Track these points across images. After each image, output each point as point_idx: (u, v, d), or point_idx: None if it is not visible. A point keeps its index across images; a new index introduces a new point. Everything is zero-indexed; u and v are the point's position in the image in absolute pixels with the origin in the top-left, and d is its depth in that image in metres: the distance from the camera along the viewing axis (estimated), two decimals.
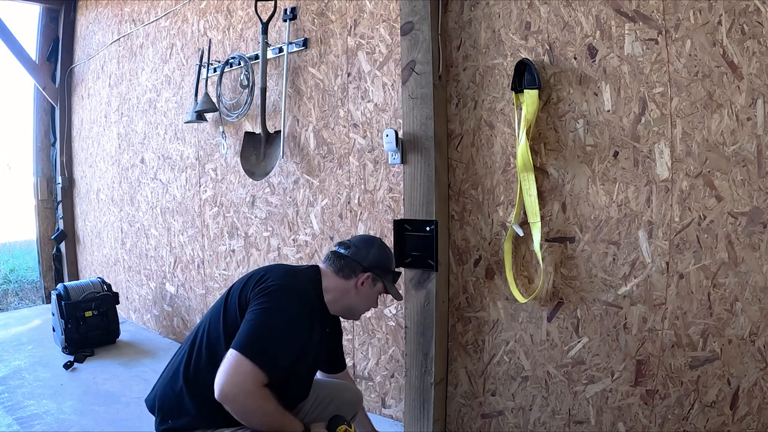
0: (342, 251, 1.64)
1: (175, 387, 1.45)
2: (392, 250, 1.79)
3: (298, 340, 1.40)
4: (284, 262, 2.69)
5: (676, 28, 1.57)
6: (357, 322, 2.48)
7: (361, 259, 1.62)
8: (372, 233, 2.39)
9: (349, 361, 2.55)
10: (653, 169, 1.65)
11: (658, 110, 1.62)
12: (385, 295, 2.35)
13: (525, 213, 1.88)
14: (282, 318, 1.37)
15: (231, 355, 1.29)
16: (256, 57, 2.76)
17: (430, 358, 2.08)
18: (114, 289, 3.79)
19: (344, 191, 2.49)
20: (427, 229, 2.05)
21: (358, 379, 2.50)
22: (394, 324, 2.35)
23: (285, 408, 1.38)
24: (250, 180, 2.86)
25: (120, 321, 3.68)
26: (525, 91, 1.82)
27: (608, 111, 1.72)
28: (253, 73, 2.82)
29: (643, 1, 1.63)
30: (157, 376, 3.01)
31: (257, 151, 2.81)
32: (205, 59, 3.09)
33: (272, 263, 1.66)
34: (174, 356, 1.57)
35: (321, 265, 1.65)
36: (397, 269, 1.76)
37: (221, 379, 1.27)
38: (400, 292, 1.84)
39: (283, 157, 2.70)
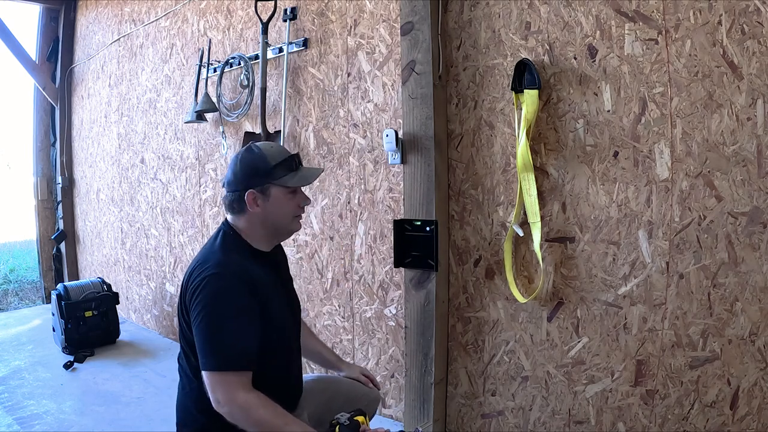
0: (225, 192, 1.48)
1: (180, 398, 1.48)
2: (271, 148, 1.50)
3: (251, 315, 1.33)
4: None
5: (676, 28, 1.57)
6: (357, 322, 2.48)
7: (235, 186, 1.45)
8: (372, 233, 2.39)
9: (348, 361, 2.55)
10: (653, 169, 1.65)
11: (658, 110, 1.62)
12: (383, 292, 2.36)
13: (525, 213, 1.88)
14: (221, 310, 1.30)
15: (204, 376, 1.28)
16: (256, 57, 2.76)
17: (430, 358, 2.08)
18: (114, 289, 3.78)
19: (344, 191, 2.49)
20: (427, 229, 2.04)
21: None
22: (394, 324, 2.35)
23: (295, 366, 1.50)
24: None
25: (120, 321, 3.68)
26: (525, 91, 1.82)
27: (608, 111, 1.72)
28: (253, 73, 2.82)
29: (643, 1, 1.63)
30: (157, 376, 3.01)
31: None
32: (205, 59, 3.09)
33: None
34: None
35: (228, 217, 1.51)
36: (284, 160, 1.47)
37: (213, 402, 1.26)
38: (302, 177, 1.50)
39: None
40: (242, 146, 2.82)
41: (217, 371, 1.26)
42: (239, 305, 1.32)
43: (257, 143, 1.52)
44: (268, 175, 1.44)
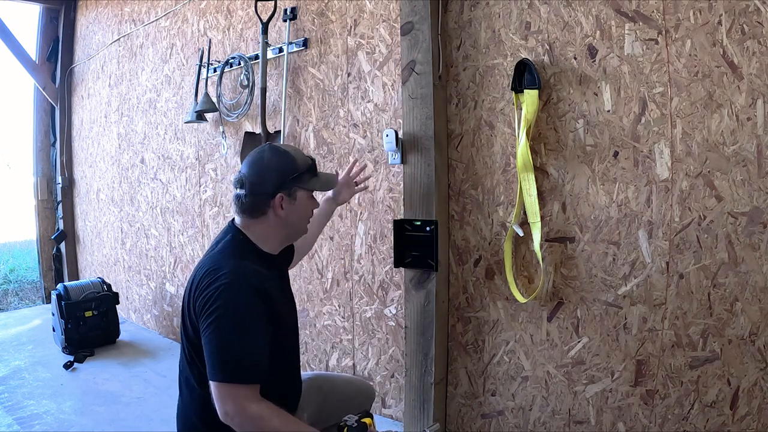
0: (240, 192, 1.41)
1: (181, 405, 1.47)
2: (295, 151, 1.50)
3: (263, 327, 1.31)
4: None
5: (676, 28, 1.57)
6: (357, 322, 2.48)
7: (262, 187, 1.39)
8: (372, 233, 2.39)
9: (349, 361, 2.55)
10: (653, 169, 1.65)
11: (658, 110, 1.62)
12: (383, 292, 2.36)
13: (525, 213, 1.88)
14: (235, 321, 1.26)
15: (213, 387, 1.24)
16: (256, 57, 2.76)
17: (430, 358, 2.08)
18: (114, 289, 3.78)
19: None
20: (427, 229, 2.04)
21: None
22: (394, 324, 2.35)
23: (297, 368, 1.50)
24: None
25: (120, 321, 3.68)
26: (525, 91, 1.82)
27: (608, 111, 1.72)
28: (253, 73, 2.82)
29: (643, 1, 1.63)
30: (157, 376, 3.01)
31: None
32: (205, 59, 3.09)
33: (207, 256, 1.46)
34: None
35: (236, 219, 1.46)
36: (310, 163, 1.49)
37: (220, 413, 1.23)
38: (326, 182, 1.57)
39: None
40: (242, 146, 2.85)
41: (227, 383, 1.23)
42: (253, 316, 1.28)
43: (274, 144, 1.50)
44: (297, 178, 1.43)
